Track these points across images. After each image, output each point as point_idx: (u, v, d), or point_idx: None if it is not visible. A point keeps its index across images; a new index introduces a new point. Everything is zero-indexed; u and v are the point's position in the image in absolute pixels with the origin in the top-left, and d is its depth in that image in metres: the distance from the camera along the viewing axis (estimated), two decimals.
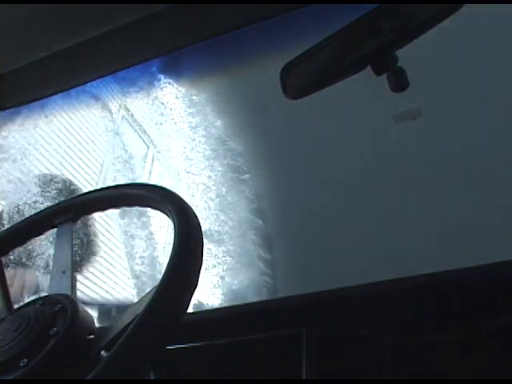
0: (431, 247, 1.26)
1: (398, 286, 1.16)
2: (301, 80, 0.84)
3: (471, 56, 1.31)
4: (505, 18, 1.23)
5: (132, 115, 2.08)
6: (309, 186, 1.36)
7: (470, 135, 1.30)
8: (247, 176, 1.42)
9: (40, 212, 0.95)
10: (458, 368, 0.93)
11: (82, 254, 1.66)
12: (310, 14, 1.40)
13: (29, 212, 1.66)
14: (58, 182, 1.82)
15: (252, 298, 1.31)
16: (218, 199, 1.47)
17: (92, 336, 0.71)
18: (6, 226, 1.62)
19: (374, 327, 1.02)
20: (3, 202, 1.79)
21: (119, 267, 2.29)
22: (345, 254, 1.27)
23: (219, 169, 1.49)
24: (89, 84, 1.61)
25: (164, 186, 0.83)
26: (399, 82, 0.77)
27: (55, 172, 1.94)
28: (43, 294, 0.80)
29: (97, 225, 1.85)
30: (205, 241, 0.69)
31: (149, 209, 0.84)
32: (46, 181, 1.82)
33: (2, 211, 1.69)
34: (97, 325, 0.74)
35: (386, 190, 1.34)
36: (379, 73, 0.77)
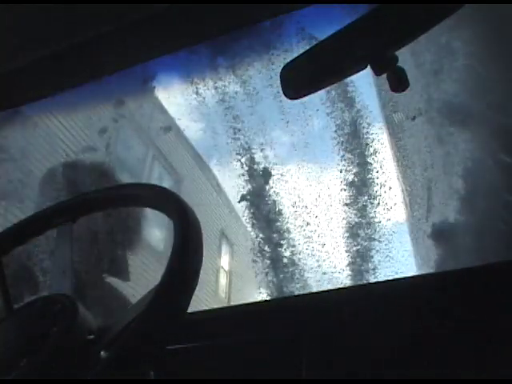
0: None
1: (397, 286, 1.16)
2: (301, 80, 0.84)
3: (472, 55, 1.31)
4: (505, 17, 1.23)
5: (133, 116, 2.08)
6: None
7: None
8: None
9: (40, 212, 0.95)
10: (458, 368, 0.93)
11: None
12: (310, 14, 1.40)
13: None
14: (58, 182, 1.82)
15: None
16: None
17: (92, 336, 0.71)
18: None
19: (374, 327, 1.02)
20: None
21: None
22: None
23: None
24: (89, 84, 1.61)
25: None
26: (399, 82, 0.77)
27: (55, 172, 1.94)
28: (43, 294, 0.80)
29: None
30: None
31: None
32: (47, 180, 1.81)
33: None
34: (97, 325, 0.74)
35: None
36: (379, 73, 0.77)
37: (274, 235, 1.68)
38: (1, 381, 0.67)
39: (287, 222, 1.68)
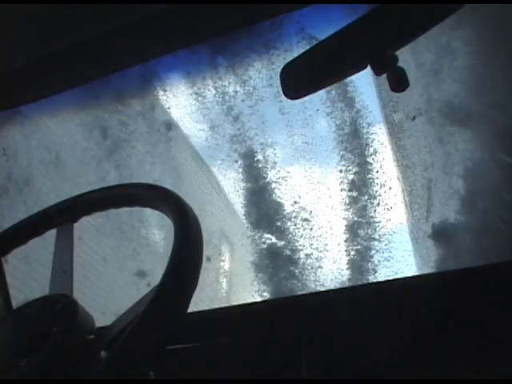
0: None
1: (397, 286, 1.16)
2: (301, 80, 0.84)
3: (472, 55, 1.31)
4: (505, 17, 1.23)
5: (133, 115, 2.08)
6: None
7: None
8: None
9: (40, 212, 0.95)
10: (458, 368, 0.93)
11: None
12: (309, 14, 1.40)
13: None
14: None
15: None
16: None
17: (92, 336, 0.71)
18: None
19: (374, 327, 1.01)
20: None
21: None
22: None
23: None
24: (89, 84, 1.61)
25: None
26: (399, 82, 0.77)
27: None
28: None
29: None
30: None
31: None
32: None
33: None
34: (97, 325, 0.74)
35: None
36: (379, 73, 0.77)
37: (274, 235, 1.68)
38: (1, 381, 0.67)
39: (287, 222, 1.68)
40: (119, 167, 1.93)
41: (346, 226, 1.57)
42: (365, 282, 1.51)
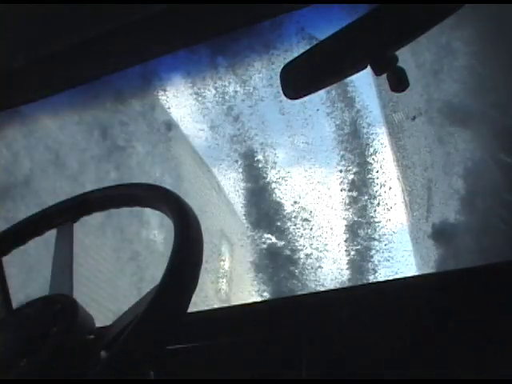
0: None
1: (397, 286, 1.16)
2: (301, 80, 0.84)
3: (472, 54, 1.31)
4: (505, 17, 1.23)
5: (133, 116, 2.08)
6: None
7: None
8: None
9: (40, 212, 0.95)
10: (458, 368, 0.93)
11: None
12: (309, 14, 1.40)
13: None
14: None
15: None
16: None
17: (92, 336, 0.71)
18: None
19: (374, 327, 1.01)
20: None
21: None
22: None
23: None
24: (89, 84, 1.61)
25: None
26: (399, 82, 0.77)
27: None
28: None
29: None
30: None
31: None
32: None
33: None
34: (97, 325, 0.74)
35: None
36: (379, 73, 0.77)
37: (274, 235, 1.68)
38: (1, 381, 0.67)
39: (287, 222, 1.68)
40: (119, 167, 1.93)
41: (346, 225, 1.57)
42: (365, 282, 1.50)
